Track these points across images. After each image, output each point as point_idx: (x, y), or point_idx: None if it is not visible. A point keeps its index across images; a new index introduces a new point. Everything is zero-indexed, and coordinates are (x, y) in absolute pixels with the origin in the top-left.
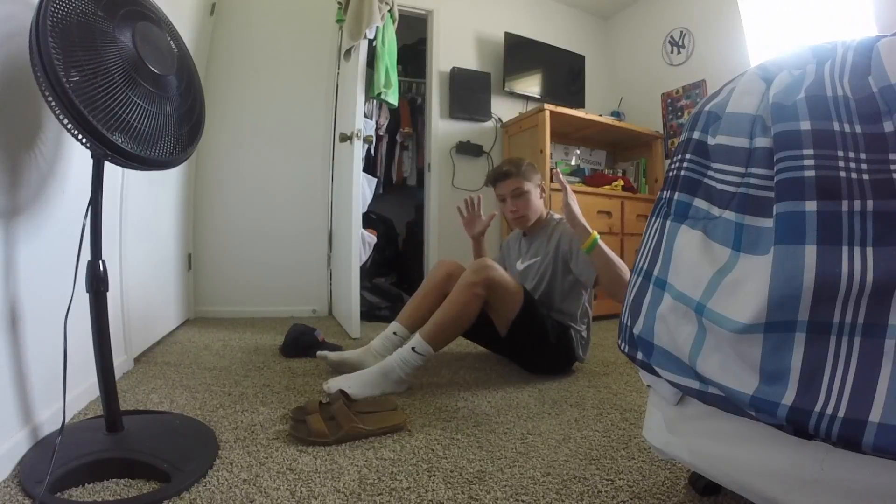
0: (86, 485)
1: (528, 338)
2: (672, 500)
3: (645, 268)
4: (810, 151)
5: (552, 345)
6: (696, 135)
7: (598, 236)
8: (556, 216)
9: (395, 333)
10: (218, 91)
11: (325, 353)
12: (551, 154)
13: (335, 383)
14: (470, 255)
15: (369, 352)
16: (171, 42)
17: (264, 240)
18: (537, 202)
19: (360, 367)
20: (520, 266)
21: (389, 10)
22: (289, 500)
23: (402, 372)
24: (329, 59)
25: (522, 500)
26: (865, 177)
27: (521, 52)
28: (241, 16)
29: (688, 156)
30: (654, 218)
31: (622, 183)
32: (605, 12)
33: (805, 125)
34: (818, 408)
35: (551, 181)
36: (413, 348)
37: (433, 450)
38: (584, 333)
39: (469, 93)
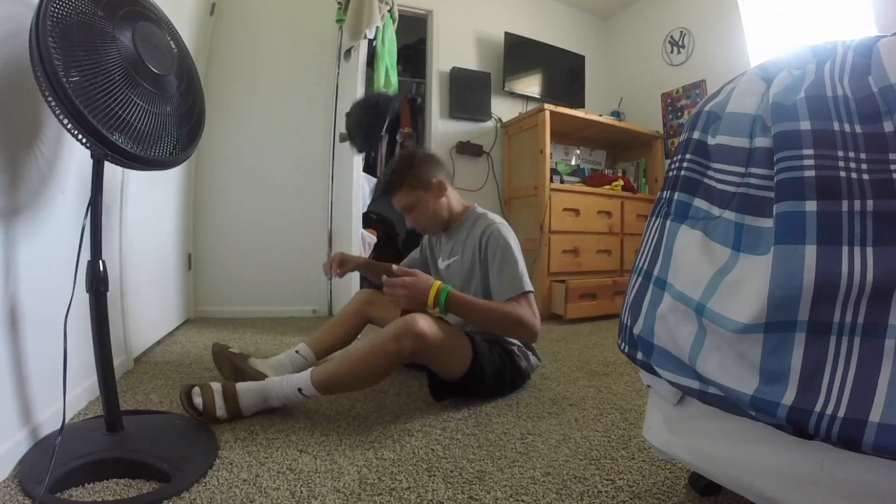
0: (86, 485)
1: (484, 381)
2: (672, 500)
3: (645, 268)
4: (810, 151)
5: (506, 377)
6: (696, 135)
7: (444, 291)
8: (480, 210)
9: (297, 352)
10: (218, 91)
11: (230, 350)
12: (551, 154)
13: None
14: None
15: (269, 362)
16: (171, 42)
17: (264, 240)
18: (434, 208)
19: (252, 367)
20: (441, 265)
21: (389, 10)
22: (289, 500)
23: (279, 404)
24: (329, 59)
25: (522, 500)
26: (865, 177)
27: (520, 52)
28: (241, 16)
29: (688, 156)
30: (653, 218)
31: (622, 183)
32: (605, 12)
33: (805, 125)
34: (818, 408)
35: (550, 180)
36: (300, 389)
37: (433, 450)
38: (525, 348)
39: (469, 93)
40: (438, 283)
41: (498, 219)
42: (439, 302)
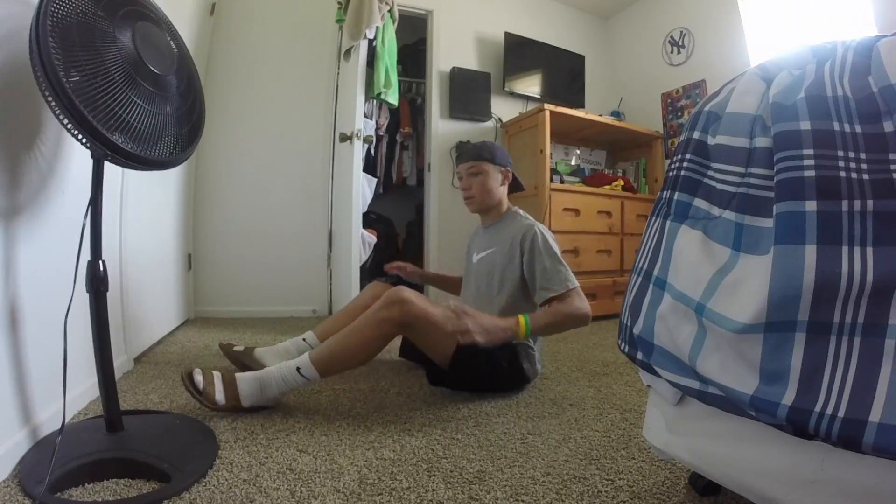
0: (86, 485)
1: (477, 367)
2: (672, 500)
3: (645, 268)
4: (810, 151)
5: (503, 367)
6: (696, 135)
7: (526, 320)
8: (522, 212)
9: (304, 339)
10: (218, 91)
11: (230, 345)
12: (551, 154)
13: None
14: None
15: (273, 349)
16: (171, 42)
17: (264, 240)
18: (494, 187)
19: (258, 362)
20: (475, 258)
21: (389, 10)
22: (289, 500)
23: (278, 390)
24: (329, 59)
25: (522, 500)
26: (865, 177)
27: (520, 52)
28: (241, 16)
29: (688, 156)
30: (654, 218)
31: (622, 183)
32: (605, 12)
33: (805, 125)
34: (818, 408)
35: (550, 180)
36: (298, 369)
37: (433, 450)
38: (533, 348)
39: (469, 93)
40: (522, 316)
41: (539, 223)
42: (525, 328)
